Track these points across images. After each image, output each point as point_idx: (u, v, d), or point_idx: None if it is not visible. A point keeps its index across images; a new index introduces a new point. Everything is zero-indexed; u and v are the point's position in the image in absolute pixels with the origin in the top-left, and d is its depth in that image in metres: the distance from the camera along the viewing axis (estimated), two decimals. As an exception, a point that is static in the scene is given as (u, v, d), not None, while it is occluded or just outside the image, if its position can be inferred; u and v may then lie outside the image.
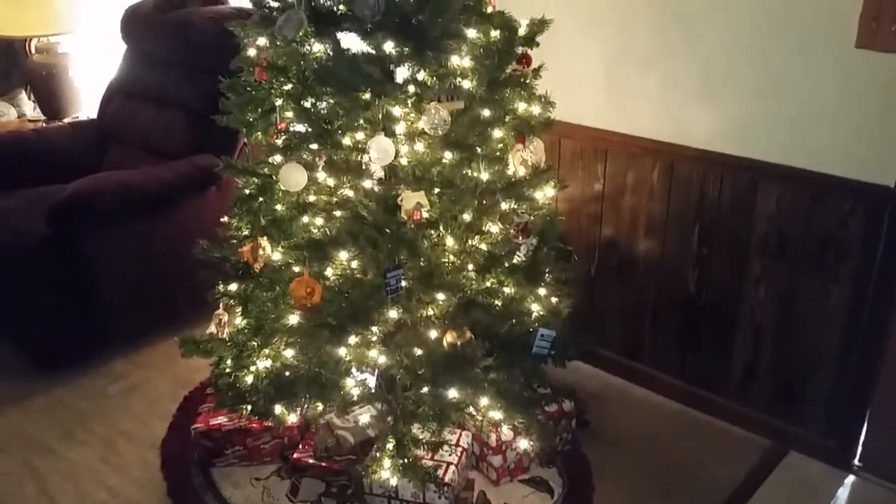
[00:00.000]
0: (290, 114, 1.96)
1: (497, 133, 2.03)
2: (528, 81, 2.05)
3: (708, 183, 2.42)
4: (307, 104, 1.93)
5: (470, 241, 2.03)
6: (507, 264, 2.05)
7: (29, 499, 2.25)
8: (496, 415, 2.05)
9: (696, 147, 2.43)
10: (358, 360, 1.96)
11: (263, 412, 2.14)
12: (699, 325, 2.58)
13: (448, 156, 1.94)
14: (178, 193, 2.96)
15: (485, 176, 1.98)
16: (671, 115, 2.46)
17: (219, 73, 2.10)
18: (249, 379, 2.14)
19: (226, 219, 2.26)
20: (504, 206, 2.04)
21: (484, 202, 2.01)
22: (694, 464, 2.38)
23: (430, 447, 2.05)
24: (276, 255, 2.07)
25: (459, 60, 1.90)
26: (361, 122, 1.90)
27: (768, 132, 2.28)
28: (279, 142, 2.01)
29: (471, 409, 2.03)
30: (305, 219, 2.03)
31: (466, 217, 1.99)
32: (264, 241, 2.08)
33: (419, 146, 1.91)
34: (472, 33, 1.91)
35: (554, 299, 2.15)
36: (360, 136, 1.92)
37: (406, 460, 1.95)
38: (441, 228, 1.95)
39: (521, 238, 2.06)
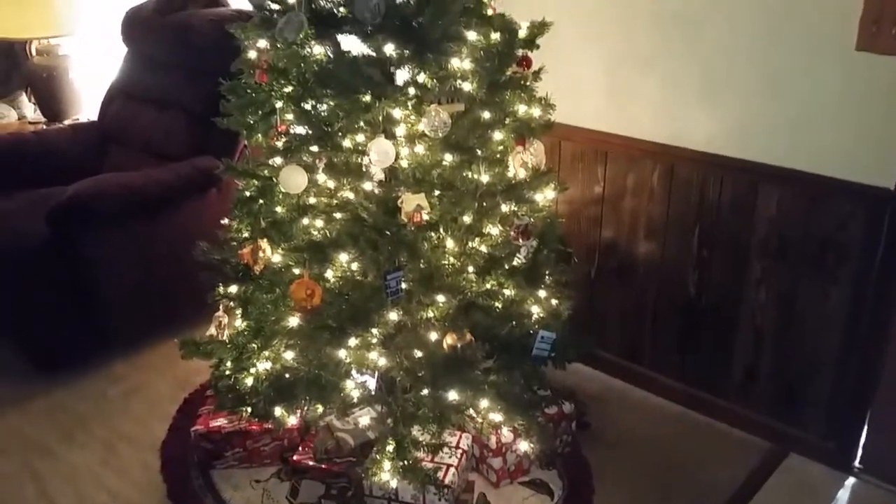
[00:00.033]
0: (290, 116, 1.96)
1: (497, 135, 2.03)
2: (528, 84, 2.06)
3: (708, 185, 2.43)
4: (307, 106, 1.93)
5: (470, 244, 2.03)
6: (507, 266, 2.05)
7: (29, 501, 2.25)
8: (496, 417, 2.05)
9: (696, 149, 2.43)
10: (358, 362, 1.96)
11: (263, 414, 2.14)
12: (699, 327, 2.58)
13: (448, 158, 1.95)
14: (179, 195, 2.97)
15: (485, 178, 1.98)
16: (671, 117, 2.46)
17: (219, 76, 2.10)
18: (249, 381, 2.14)
19: (226, 221, 2.26)
20: (504, 208, 2.04)
21: (484, 204, 2.01)
22: (694, 466, 2.38)
23: (430, 449, 2.05)
24: (277, 257, 2.07)
25: (460, 63, 1.90)
26: (362, 124, 1.90)
27: (769, 134, 2.28)
28: (279, 144, 2.01)
29: (471, 411, 2.03)
30: (306, 221, 2.03)
31: (467, 219, 1.99)
32: (264, 243, 2.08)
33: (419, 148, 1.91)
34: (472, 36, 1.91)
35: (554, 301, 2.15)
36: (360, 138, 1.92)
37: (406, 462, 1.95)
38: (441, 230, 1.96)
39: (521, 240, 2.06)
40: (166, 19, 3.33)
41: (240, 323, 2.19)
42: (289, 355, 2.07)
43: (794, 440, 2.43)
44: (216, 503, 2.22)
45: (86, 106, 4.05)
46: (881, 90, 2.05)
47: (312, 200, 2.04)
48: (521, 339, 2.09)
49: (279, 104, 1.94)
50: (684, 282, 2.56)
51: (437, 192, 1.94)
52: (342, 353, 1.95)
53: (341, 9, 1.86)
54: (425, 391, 1.99)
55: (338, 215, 2.01)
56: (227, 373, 2.18)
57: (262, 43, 1.99)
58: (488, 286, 2.03)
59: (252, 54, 2.03)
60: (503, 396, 2.02)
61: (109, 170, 3.27)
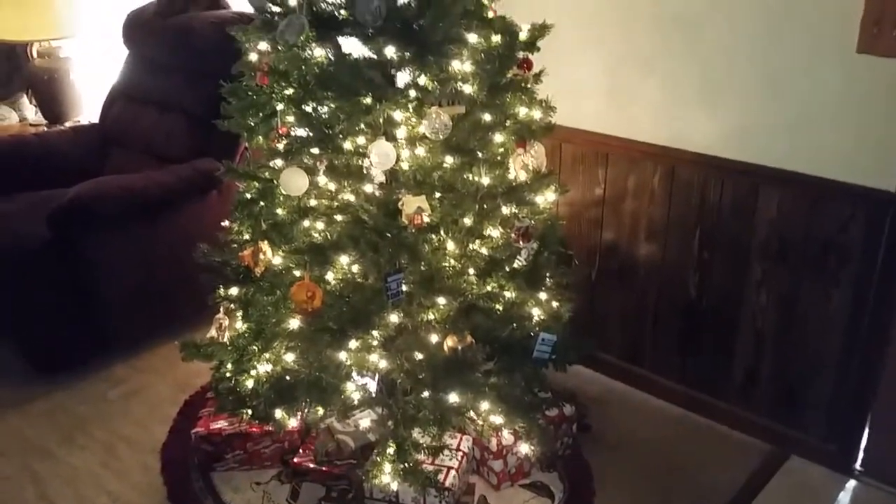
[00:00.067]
0: (291, 118, 1.96)
1: (498, 137, 2.03)
2: (528, 86, 2.06)
3: (709, 187, 2.43)
4: (308, 109, 1.93)
5: (471, 246, 2.03)
6: (507, 269, 2.05)
7: (29, 503, 2.25)
8: (497, 419, 2.05)
9: (696, 151, 2.43)
10: (358, 365, 1.96)
11: (264, 416, 2.14)
12: (700, 329, 2.58)
13: (449, 160, 1.95)
14: (180, 197, 2.97)
15: (486, 180, 1.98)
16: (672, 119, 2.46)
17: (220, 78, 2.11)
18: (250, 383, 2.14)
19: (227, 223, 2.27)
20: (505, 210, 2.04)
21: (485, 206, 2.01)
22: (695, 468, 2.38)
23: (431, 452, 2.04)
24: (277, 260, 2.07)
25: (460, 65, 1.90)
26: (362, 126, 1.90)
27: (769, 136, 2.28)
28: (280, 146, 2.01)
29: (471, 413, 2.03)
30: (306, 223, 2.03)
31: (467, 221, 1.99)
32: (265, 246, 2.08)
33: (420, 150, 1.91)
34: (473, 38, 1.91)
35: (555, 303, 2.15)
36: (361, 140, 1.92)
37: (407, 465, 1.94)
38: (442, 233, 1.96)
39: (521, 242, 2.06)
40: (167, 22, 3.33)
41: (240, 325, 2.19)
42: (289, 357, 2.07)
43: (794, 442, 2.43)
44: (216, 505, 2.22)
45: (87, 108, 4.05)
46: (882, 92, 2.05)
47: (313, 202, 2.04)
48: (522, 342, 2.09)
49: (280, 106, 1.94)
50: (685, 284, 2.56)
51: (437, 195, 1.94)
52: (343, 356, 1.95)
53: (342, 11, 1.86)
54: (426, 393, 1.99)
55: (338, 217, 2.01)
56: (228, 375, 2.18)
57: (263, 45, 1.99)
58: (489, 288, 2.03)
59: (253, 57, 2.03)
60: (504, 399, 2.02)
61: (110, 172, 3.27)
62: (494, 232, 2.05)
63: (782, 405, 2.44)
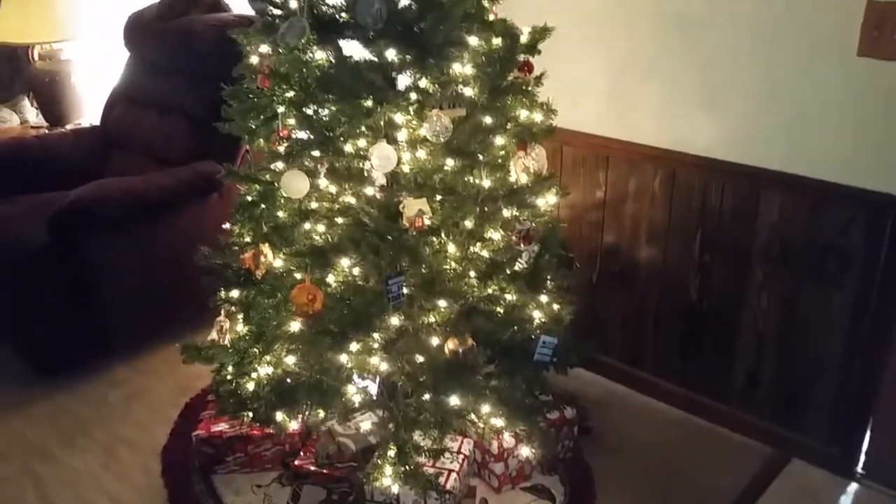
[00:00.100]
0: (292, 121, 1.96)
1: (499, 140, 2.03)
2: (529, 89, 2.06)
3: (710, 190, 2.43)
4: (309, 111, 1.93)
5: (472, 248, 2.03)
6: (508, 271, 2.05)
7: (30, 505, 2.26)
8: (498, 422, 2.05)
9: (697, 154, 2.43)
10: (359, 367, 1.96)
11: (265, 419, 2.13)
12: (701, 332, 2.57)
13: (450, 163, 1.95)
14: (181, 200, 2.97)
15: (486, 183, 1.98)
16: (672, 122, 2.46)
17: (221, 81, 2.10)
18: (251, 386, 2.14)
19: (228, 225, 2.26)
20: (506, 213, 2.04)
21: (486, 209, 2.01)
22: (696, 471, 2.38)
23: (432, 454, 2.04)
24: (278, 262, 2.07)
25: (461, 68, 1.90)
26: (363, 129, 1.90)
27: (770, 139, 2.28)
28: (281, 149, 2.01)
29: (472, 416, 2.03)
30: (307, 226, 2.03)
31: (468, 224, 1.99)
32: (266, 248, 2.08)
33: (421, 153, 1.91)
34: (473, 41, 1.91)
35: (556, 306, 2.15)
36: (361, 143, 1.92)
37: (407, 467, 1.94)
38: (443, 235, 1.95)
39: (522, 245, 2.06)
40: (169, 24, 3.34)
41: (241, 327, 2.19)
42: (290, 360, 2.07)
43: (796, 445, 2.43)
44: (217, 508, 2.22)
45: (88, 110, 4.06)
46: (883, 96, 2.05)
47: (314, 205, 2.04)
48: (523, 344, 2.09)
49: (281, 109, 1.94)
50: (686, 287, 2.56)
51: (438, 197, 1.94)
52: (344, 358, 1.95)
53: (343, 14, 1.86)
54: (427, 396, 1.99)
55: (339, 220, 2.01)
56: (229, 377, 2.18)
57: (264, 48, 1.99)
58: (490, 291, 2.03)
59: (254, 59, 2.03)
60: (505, 401, 2.02)
61: (111, 174, 3.28)
62: (495, 235, 2.05)
63: (783, 408, 2.44)
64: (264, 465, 2.34)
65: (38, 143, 3.53)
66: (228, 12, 3.41)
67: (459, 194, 1.97)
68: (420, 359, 1.99)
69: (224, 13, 3.38)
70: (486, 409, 2.01)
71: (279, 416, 2.12)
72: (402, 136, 1.89)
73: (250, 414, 2.15)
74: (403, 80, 1.90)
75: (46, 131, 3.91)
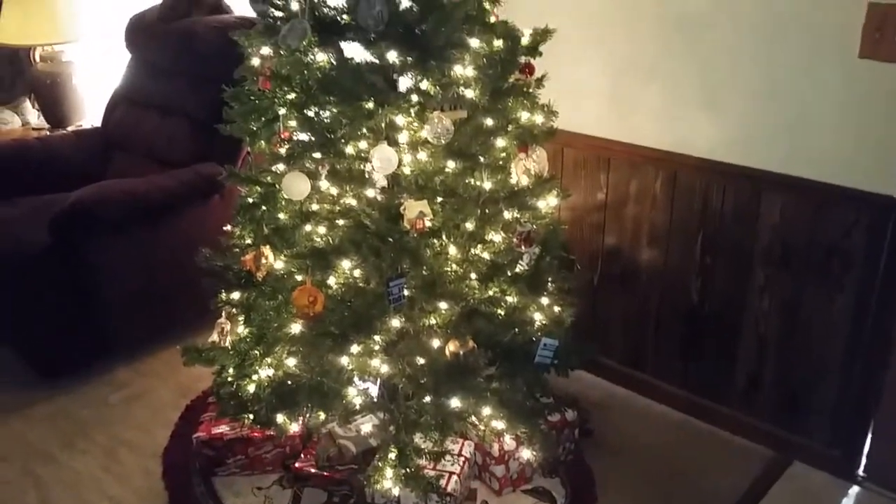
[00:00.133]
0: (293, 123, 1.96)
1: (500, 142, 2.03)
2: (530, 91, 2.06)
3: (711, 192, 2.42)
4: (310, 113, 1.93)
5: (472, 250, 2.03)
6: (509, 273, 2.05)
7: (30, 507, 2.25)
8: (499, 424, 2.04)
9: (698, 156, 2.43)
10: (360, 369, 1.96)
11: (265, 421, 2.13)
12: (702, 334, 2.57)
13: (451, 165, 1.95)
14: (182, 202, 2.97)
15: (487, 185, 1.98)
16: (674, 124, 2.46)
17: (222, 83, 2.10)
18: (251, 388, 2.14)
19: (229, 227, 2.26)
20: (507, 215, 2.04)
21: (487, 211, 2.01)
22: (697, 474, 2.37)
23: (433, 457, 2.04)
24: (279, 264, 2.07)
25: (462, 70, 1.90)
26: (364, 131, 1.90)
27: (771, 141, 2.28)
28: (282, 151, 2.01)
29: (473, 418, 2.03)
30: (308, 227, 2.03)
31: (469, 226, 1.99)
32: (267, 250, 2.08)
33: (422, 155, 1.92)
34: (475, 43, 1.91)
35: (557, 308, 2.15)
36: (363, 145, 1.92)
37: (408, 470, 1.94)
38: (444, 237, 1.95)
39: (523, 247, 2.06)
40: (170, 26, 3.34)
41: (242, 329, 2.19)
42: (291, 362, 2.07)
43: (797, 448, 2.42)
44: (218, 510, 2.22)
45: (89, 112, 4.06)
46: (884, 98, 2.05)
47: (315, 207, 2.04)
48: (524, 347, 2.08)
49: (282, 111, 1.94)
50: (687, 289, 2.55)
51: (439, 199, 1.94)
52: (344, 360, 1.95)
53: (344, 16, 1.87)
54: (427, 398, 1.99)
55: (340, 222, 2.01)
56: (230, 379, 2.18)
57: (266, 50, 1.99)
58: (491, 293, 2.03)
59: (255, 61, 2.03)
60: (506, 404, 2.02)
61: (113, 176, 3.28)
62: (496, 237, 2.05)
63: (785, 410, 2.44)
64: (265, 468, 2.33)
65: (40, 145, 3.53)
66: (230, 14, 3.41)
67: (460, 196, 1.97)
68: (421, 361, 1.99)
69: (226, 15, 3.39)
70: (486, 411, 2.01)
71: (280, 418, 2.12)
72: (403, 137, 1.89)
73: (251, 416, 2.15)
74: (405, 82, 1.90)
75: (48, 133, 3.91)
